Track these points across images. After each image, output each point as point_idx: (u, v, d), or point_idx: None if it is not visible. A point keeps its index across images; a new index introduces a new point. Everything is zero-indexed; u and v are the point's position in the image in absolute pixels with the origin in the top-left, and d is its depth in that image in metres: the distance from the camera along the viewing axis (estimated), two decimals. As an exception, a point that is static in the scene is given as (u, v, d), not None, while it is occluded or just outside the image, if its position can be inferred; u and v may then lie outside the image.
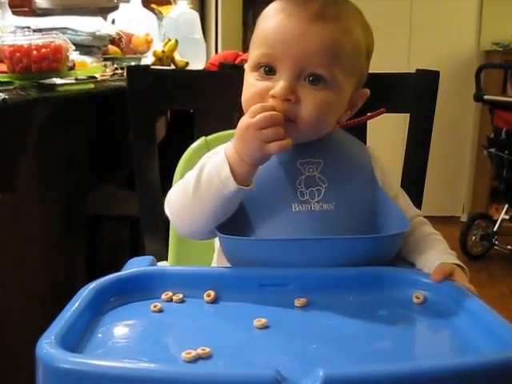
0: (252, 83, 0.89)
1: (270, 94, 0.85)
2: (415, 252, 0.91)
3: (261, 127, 0.80)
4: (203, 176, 0.85)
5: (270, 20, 0.88)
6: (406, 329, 0.75)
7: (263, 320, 0.71)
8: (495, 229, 3.46)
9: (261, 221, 0.88)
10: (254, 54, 0.90)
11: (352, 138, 0.98)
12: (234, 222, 0.87)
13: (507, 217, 3.42)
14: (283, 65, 0.86)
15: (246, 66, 0.93)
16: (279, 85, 0.85)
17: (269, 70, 0.88)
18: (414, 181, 1.17)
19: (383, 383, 0.56)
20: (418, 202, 1.05)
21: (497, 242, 3.47)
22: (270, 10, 0.90)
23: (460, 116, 4.12)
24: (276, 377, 0.55)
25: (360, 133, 1.10)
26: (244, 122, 0.82)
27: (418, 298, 0.78)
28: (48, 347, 0.60)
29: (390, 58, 3.71)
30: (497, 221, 3.46)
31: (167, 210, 0.91)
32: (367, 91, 0.96)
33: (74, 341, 0.65)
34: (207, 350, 0.63)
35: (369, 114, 1.02)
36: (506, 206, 3.42)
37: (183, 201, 0.88)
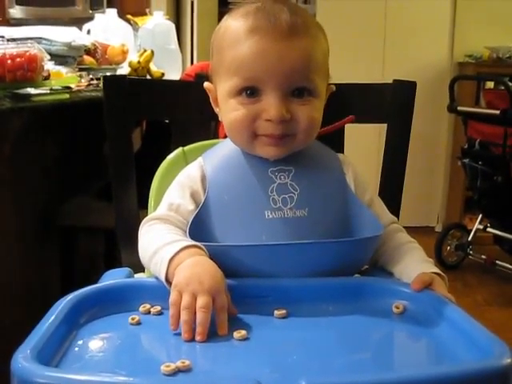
0: (237, 109, 0.87)
1: (266, 118, 0.86)
2: (393, 261, 0.91)
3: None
4: (151, 265, 0.84)
5: (243, 44, 0.86)
6: (386, 339, 0.75)
7: (243, 332, 0.70)
8: (470, 239, 3.48)
9: (234, 229, 0.88)
10: (235, 81, 0.87)
11: (322, 146, 0.98)
12: (207, 232, 0.87)
13: (481, 227, 3.44)
14: (269, 86, 0.85)
15: (222, 94, 0.90)
16: (272, 107, 0.85)
17: (251, 93, 0.87)
18: (391, 191, 1.17)
19: (365, 394, 0.56)
20: (395, 212, 1.06)
21: (471, 252, 3.49)
22: (236, 32, 0.87)
23: (434, 127, 4.15)
24: (257, 389, 0.54)
25: (336, 143, 1.10)
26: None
27: (398, 308, 0.78)
28: (23, 361, 0.59)
29: (364, 70, 3.74)
30: (471, 231, 3.48)
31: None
32: (333, 86, 0.97)
33: (50, 355, 0.64)
34: (187, 362, 0.62)
35: (337, 122, 1.02)
36: (480, 215, 3.44)
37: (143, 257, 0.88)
